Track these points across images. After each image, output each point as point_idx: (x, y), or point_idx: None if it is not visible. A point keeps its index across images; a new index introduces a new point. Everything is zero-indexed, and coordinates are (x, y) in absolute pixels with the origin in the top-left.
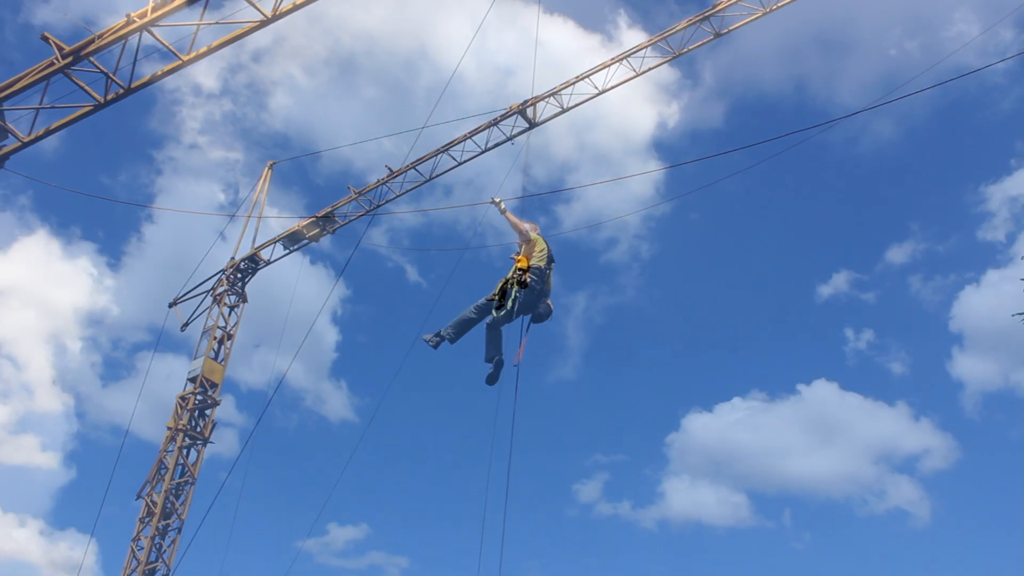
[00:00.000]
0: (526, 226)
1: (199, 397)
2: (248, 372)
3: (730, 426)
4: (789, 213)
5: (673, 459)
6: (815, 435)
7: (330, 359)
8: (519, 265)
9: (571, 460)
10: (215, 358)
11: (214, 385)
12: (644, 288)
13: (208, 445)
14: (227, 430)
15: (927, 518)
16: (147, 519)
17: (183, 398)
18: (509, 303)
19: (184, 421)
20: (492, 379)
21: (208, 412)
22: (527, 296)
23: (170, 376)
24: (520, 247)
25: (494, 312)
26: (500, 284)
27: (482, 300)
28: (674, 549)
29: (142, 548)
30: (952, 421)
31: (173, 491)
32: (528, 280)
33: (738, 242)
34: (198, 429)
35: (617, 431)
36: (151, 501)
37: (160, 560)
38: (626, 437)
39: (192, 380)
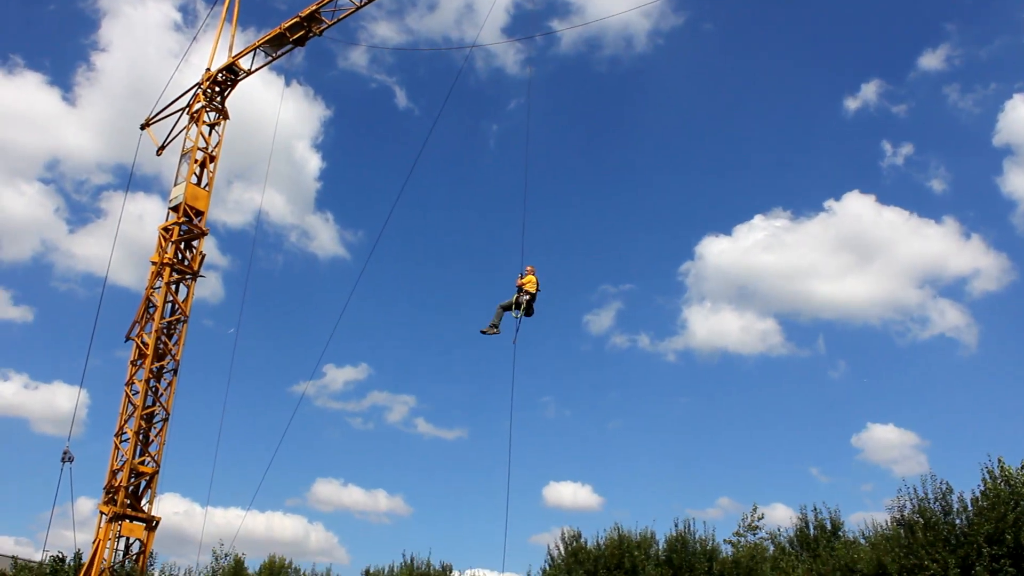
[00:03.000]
0: (527, 269)
1: (183, 227)
2: (225, 212)
3: (751, 248)
4: (810, 20)
5: (691, 287)
6: (849, 255)
7: (313, 189)
8: (528, 288)
9: (578, 292)
10: (198, 183)
11: (199, 213)
12: (652, 105)
13: (199, 280)
14: (209, 274)
15: (974, 346)
16: (139, 361)
17: (166, 229)
18: (524, 304)
19: (170, 254)
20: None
21: (195, 244)
22: (529, 302)
23: (143, 216)
24: (523, 276)
25: (513, 308)
26: (515, 296)
27: (507, 301)
28: (700, 381)
29: (136, 392)
30: (1005, 240)
31: (164, 330)
32: (533, 296)
33: (756, 53)
34: (185, 262)
35: (624, 260)
36: (141, 343)
37: (158, 404)
38: (634, 266)
39: (174, 209)
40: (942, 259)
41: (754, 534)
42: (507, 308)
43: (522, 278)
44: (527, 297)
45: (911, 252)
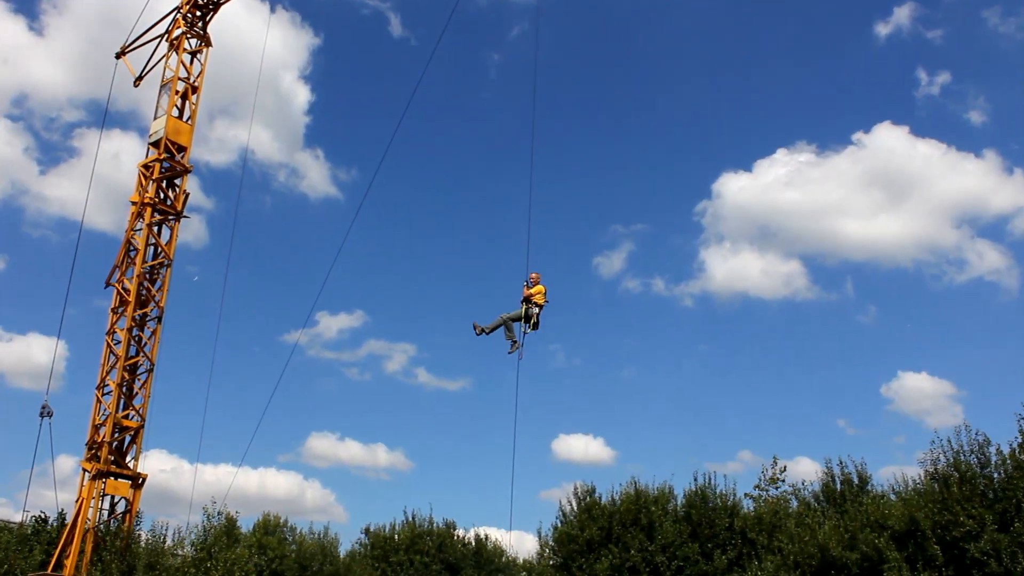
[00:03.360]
0: (533, 277)
1: (165, 164)
2: (208, 151)
3: (773, 185)
4: None
5: (708, 227)
6: (880, 192)
7: (302, 124)
8: (536, 300)
9: (587, 232)
10: (180, 117)
11: (182, 149)
12: (666, 32)
13: (183, 221)
14: (193, 217)
15: (1015, 290)
16: (120, 309)
17: (146, 167)
18: (533, 317)
19: (151, 193)
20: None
21: (178, 182)
22: (536, 313)
23: (119, 155)
24: (530, 285)
25: (522, 320)
26: (524, 308)
27: (512, 313)
28: (719, 327)
29: (118, 342)
30: None
31: (147, 275)
32: (541, 307)
33: None
34: (168, 202)
35: (636, 199)
36: (123, 289)
37: (141, 354)
38: (647, 205)
39: (155, 145)
40: (981, 196)
41: (776, 488)
42: (513, 320)
43: (529, 288)
44: (536, 310)
45: (947, 189)
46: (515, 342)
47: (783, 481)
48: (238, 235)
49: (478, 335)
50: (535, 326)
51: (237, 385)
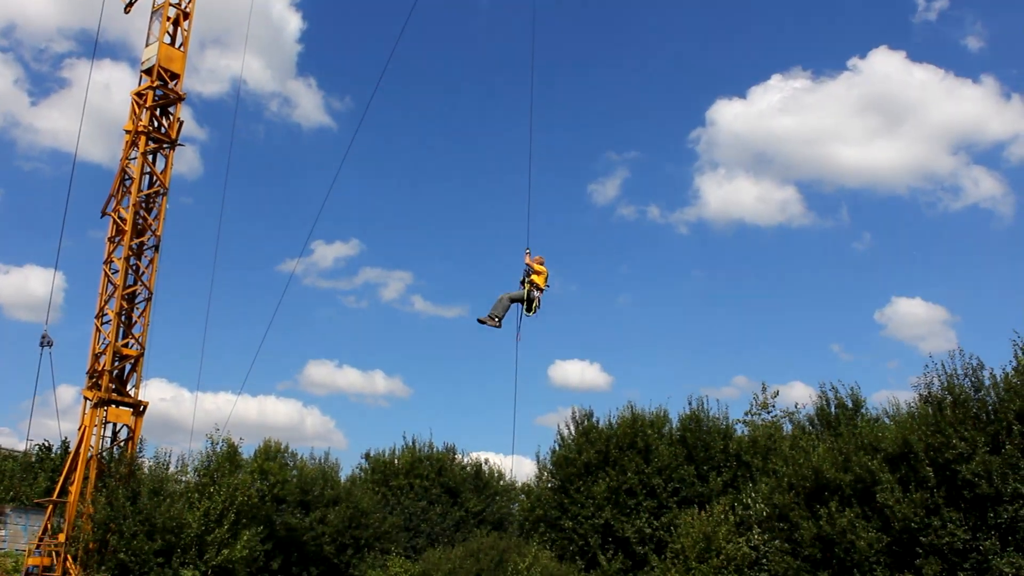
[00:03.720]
0: (538, 259)
1: (158, 92)
2: (198, 82)
3: (768, 111)
4: None
5: (702, 154)
6: (876, 118)
7: (294, 53)
8: (539, 283)
9: (580, 160)
10: (172, 44)
11: (175, 76)
12: None
13: (177, 150)
14: (186, 147)
15: (1010, 217)
16: (117, 238)
17: (139, 95)
18: (535, 300)
19: (144, 121)
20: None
21: (171, 110)
22: (538, 297)
23: (110, 86)
24: (532, 268)
25: (523, 303)
26: (527, 289)
27: (514, 293)
28: (714, 254)
29: (116, 271)
30: None
31: (143, 204)
32: (542, 291)
33: None
34: (162, 130)
35: (629, 127)
36: (119, 218)
37: (139, 283)
38: (641, 133)
39: (147, 72)
40: (978, 122)
41: (768, 413)
42: (515, 301)
43: (529, 274)
44: (538, 294)
45: (944, 115)
46: (494, 318)
47: (774, 407)
48: (233, 167)
49: (491, 325)
50: (534, 310)
51: (235, 315)
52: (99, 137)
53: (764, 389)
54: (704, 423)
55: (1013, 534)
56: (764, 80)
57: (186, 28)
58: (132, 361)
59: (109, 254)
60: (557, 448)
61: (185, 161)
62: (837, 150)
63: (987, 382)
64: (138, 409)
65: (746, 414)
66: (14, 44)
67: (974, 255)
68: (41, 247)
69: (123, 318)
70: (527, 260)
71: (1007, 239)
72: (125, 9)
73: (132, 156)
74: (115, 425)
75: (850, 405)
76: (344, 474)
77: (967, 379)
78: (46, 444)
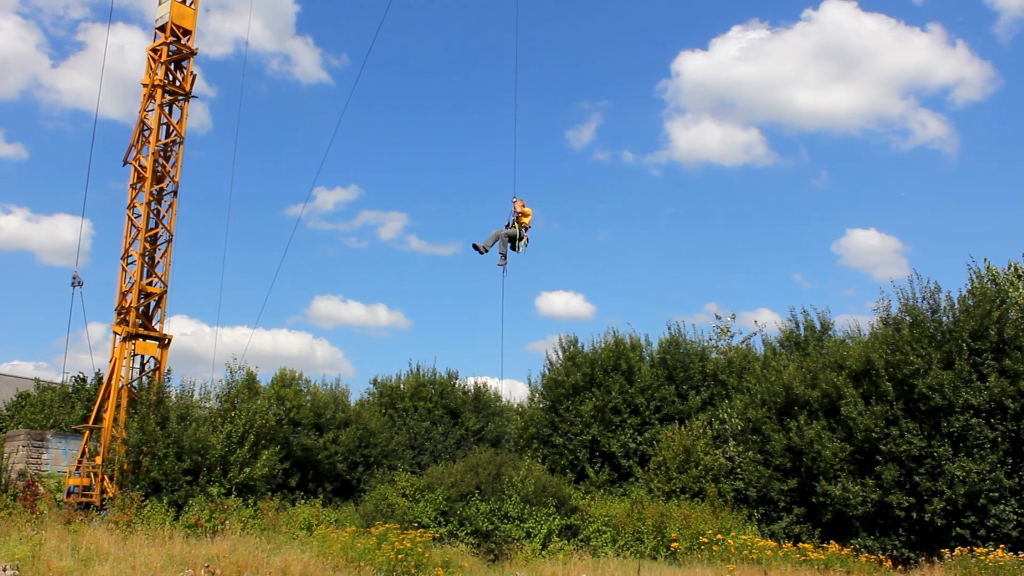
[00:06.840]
0: (520, 203)
1: (172, 47)
2: (203, 44)
3: (729, 61)
4: None
5: (669, 102)
6: (830, 65)
7: (292, 12)
8: (525, 223)
9: (554, 108)
10: (183, 1)
11: (187, 32)
12: None
13: (192, 100)
14: (195, 104)
15: (955, 156)
16: (138, 184)
17: (154, 50)
18: (524, 238)
19: (160, 75)
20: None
21: (185, 64)
22: (524, 233)
23: (124, 48)
24: (518, 209)
25: (516, 243)
26: (517, 227)
27: (505, 232)
28: (685, 192)
29: (139, 216)
30: (990, 48)
31: (161, 152)
32: (527, 228)
33: None
34: (177, 83)
35: (600, 77)
36: (139, 166)
37: (160, 226)
38: (611, 83)
39: (161, 29)
40: (926, 68)
41: (730, 338)
42: (507, 238)
43: (518, 217)
44: (525, 232)
45: (894, 61)
46: (504, 256)
47: (739, 332)
48: (241, 122)
49: (480, 253)
50: (522, 247)
51: (247, 256)
52: (115, 96)
53: (718, 317)
54: (682, 346)
55: (963, 441)
56: (724, 32)
57: None
58: (156, 298)
59: (132, 200)
60: (546, 372)
61: (196, 117)
62: (795, 95)
63: (943, 304)
64: (163, 342)
65: (708, 340)
66: (34, 11)
67: (923, 192)
68: (68, 198)
69: (147, 259)
70: (517, 207)
71: (952, 177)
72: None
73: (150, 108)
74: (143, 357)
75: (819, 327)
76: (353, 399)
77: (925, 302)
78: (81, 376)
